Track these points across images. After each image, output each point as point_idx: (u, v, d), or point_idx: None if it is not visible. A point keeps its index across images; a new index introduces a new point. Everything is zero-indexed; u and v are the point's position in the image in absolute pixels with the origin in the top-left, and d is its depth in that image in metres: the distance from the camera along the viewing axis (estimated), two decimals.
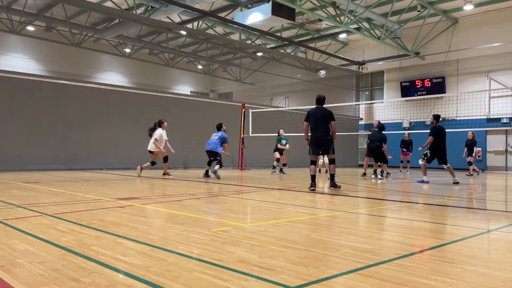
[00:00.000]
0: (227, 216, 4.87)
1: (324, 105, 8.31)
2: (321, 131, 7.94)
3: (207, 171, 11.23)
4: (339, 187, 8.17)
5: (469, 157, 15.34)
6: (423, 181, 10.67)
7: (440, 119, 11.45)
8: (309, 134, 8.27)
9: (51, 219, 4.21)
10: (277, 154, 13.50)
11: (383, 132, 12.74)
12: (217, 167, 10.97)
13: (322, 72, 10.91)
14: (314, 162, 8.08)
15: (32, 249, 2.94)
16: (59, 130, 13.88)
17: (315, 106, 8.23)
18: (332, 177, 8.13)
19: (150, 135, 11.06)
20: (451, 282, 2.33)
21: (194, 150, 16.98)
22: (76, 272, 2.40)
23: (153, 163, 11.10)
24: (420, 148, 11.02)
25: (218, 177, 10.66)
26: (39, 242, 3.17)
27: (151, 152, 11.01)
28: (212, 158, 11.18)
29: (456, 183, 10.28)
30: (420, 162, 10.86)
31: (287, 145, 13.64)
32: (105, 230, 3.66)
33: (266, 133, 16.28)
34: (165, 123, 11.12)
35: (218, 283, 2.24)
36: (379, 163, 12.60)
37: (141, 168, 11.07)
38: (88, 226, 3.83)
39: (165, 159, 11.16)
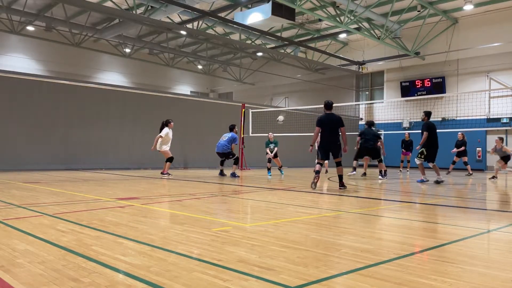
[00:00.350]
0: (227, 216, 4.87)
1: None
2: (332, 136, 8.35)
3: (221, 171, 11.78)
4: (346, 187, 8.40)
5: (464, 157, 15.53)
6: (422, 181, 10.56)
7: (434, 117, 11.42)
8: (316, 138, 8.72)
9: (51, 219, 4.21)
10: (268, 155, 13.43)
11: (373, 128, 12.66)
12: (234, 167, 11.68)
13: (281, 118, 11.09)
14: (320, 164, 8.51)
15: (32, 249, 2.94)
16: (59, 130, 13.88)
17: (324, 112, 8.56)
18: (340, 177, 8.41)
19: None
20: (451, 282, 2.33)
21: (194, 150, 17.00)
22: (76, 272, 2.40)
23: (170, 159, 11.33)
24: (417, 147, 10.72)
25: (237, 177, 11.28)
26: (39, 242, 3.17)
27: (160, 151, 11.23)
28: (224, 158, 11.73)
29: (441, 181, 10.13)
30: (417, 161, 10.65)
31: (275, 149, 12.68)
32: (105, 230, 3.66)
33: (266, 133, 16.24)
34: (172, 123, 11.29)
35: (218, 283, 2.24)
36: (359, 162, 12.84)
37: (163, 173, 11.21)
38: (88, 226, 3.83)
39: (170, 159, 11.26)
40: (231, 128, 11.88)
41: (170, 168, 11.69)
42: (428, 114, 10.67)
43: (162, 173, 11.17)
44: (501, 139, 12.97)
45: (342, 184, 8.29)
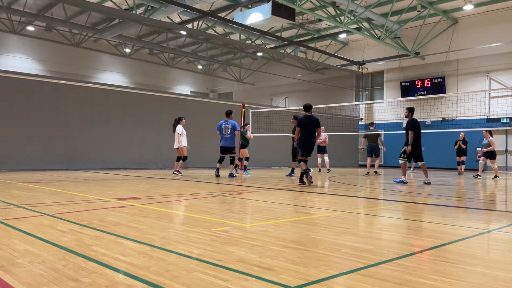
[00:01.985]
0: (227, 216, 4.87)
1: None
2: (311, 137, 9.10)
3: (218, 169, 11.56)
4: (305, 184, 9.02)
5: (463, 157, 15.70)
6: (401, 181, 9.95)
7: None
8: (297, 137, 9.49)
9: (51, 219, 4.21)
10: (246, 152, 13.43)
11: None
12: (230, 167, 11.62)
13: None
14: (305, 161, 9.16)
15: (32, 249, 2.94)
16: (59, 130, 13.88)
17: (304, 114, 9.21)
18: (302, 174, 9.19)
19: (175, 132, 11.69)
20: (451, 282, 2.33)
21: (194, 150, 16.95)
22: (76, 272, 2.40)
23: (184, 158, 11.61)
24: (409, 148, 9.90)
25: (235, 176, 11.39)
26: (39, 242, 3.17)
27: (177, 148, 11.60)
28: (225, 154, 11.60)
29: (428, 183, 9.79)
30: (401, 161, 10.15)
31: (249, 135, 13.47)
32: (105, 230, 3.66)
33: (266, 133, 16.27)
34: (184, 120, 11.70)
35: (218, 283, 2.24)
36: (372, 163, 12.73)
37: (178, 171, 11.52)
38: (88, 226, 3.83)
39: (180, 158, 11.52)
40: (228, 114, 11.58)
41: (169, 167, 11.86)
42: (411, 110, 10.15)
43: (174, 172, 11.56)
44: (489, 132, 12.99)
45: (302, 179, 9.11)
